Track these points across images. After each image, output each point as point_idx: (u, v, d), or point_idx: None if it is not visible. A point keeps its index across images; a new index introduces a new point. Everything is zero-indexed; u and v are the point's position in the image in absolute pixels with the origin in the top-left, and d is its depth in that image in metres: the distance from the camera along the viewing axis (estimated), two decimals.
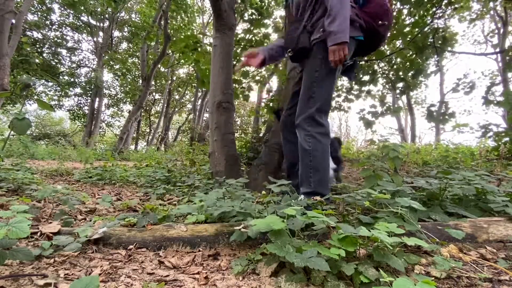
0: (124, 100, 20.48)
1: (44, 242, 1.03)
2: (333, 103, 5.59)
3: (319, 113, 1.62)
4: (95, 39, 17.74)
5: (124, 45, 20.00)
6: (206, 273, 0.96)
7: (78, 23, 17.23)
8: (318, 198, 1.35)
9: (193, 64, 4.59)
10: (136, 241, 1.15)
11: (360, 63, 4.69)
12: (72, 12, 15.80)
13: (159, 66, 14.49)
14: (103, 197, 1.68)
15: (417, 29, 4.06)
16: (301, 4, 1.74)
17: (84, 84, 18.00)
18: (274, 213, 1.22)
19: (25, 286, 0.81)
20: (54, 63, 16.12)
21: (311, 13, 1.69)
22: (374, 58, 4.51)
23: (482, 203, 1.45)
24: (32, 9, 14.35)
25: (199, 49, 4.24)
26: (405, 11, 4.39)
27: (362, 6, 1.70)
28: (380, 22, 1.64)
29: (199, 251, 1.13)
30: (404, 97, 14.13)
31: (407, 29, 4.15)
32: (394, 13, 4.29)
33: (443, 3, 3.95)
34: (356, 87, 5.12)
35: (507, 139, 4.02)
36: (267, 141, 3.21)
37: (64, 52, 17.28)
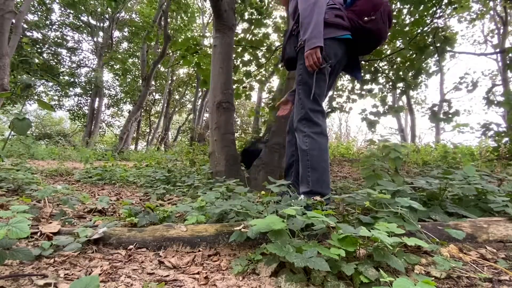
0: (124, 100, 20.49)
1: (44, 242, 1.03)
2: (335, 104, 5.59)
3: (314, 113, 1.63)
4: (95, 39, 17.74)
5: (124, 45, 20.01)
6: (206, 273, 0.96)
7: (78, 23, 17.24)
8: (318, 198, 1.35)
9: (194, 66, 4.61)
10: (136, 241, 1.15)
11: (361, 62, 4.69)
12: (72, 12, 15.81)
13: (159, 66, 14.50)
14: (100, 198, 1.68)
15: (417, 29, 4.06)
16: (292, 12, 1.79)
17: (84, 84, 18.00)
18: (274, 213, 1.22)
19: (25, 286, 0.81)
20: (54, 63, 16.12)
21: (296, 21, 1.72)
22: (374, 57, 4.51)
23: (482, 203, 1.45)
24: (32, 9, 14.35)
25: (200, 51, 4.25)
26: (405, 11, 4.39)
27: (350, 5, 1.70)
28: (366, 18, 1.62)
29: (199, 251, 1.13)
30: (404, 97, 14.13)
31: (407, 28, 4.15)
32: (394, 13, 4.28)
33: (443, 3, 3.95)
34: (358, 86, 5.13)
35: (507, 139, 4.02)
36: (267, 141, 3.22)
37: (64, 52, 17.30)
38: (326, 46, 1.58)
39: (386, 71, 5.00)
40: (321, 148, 1.60)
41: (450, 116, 3.91)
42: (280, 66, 4.78)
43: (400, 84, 4.62)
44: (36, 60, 11.00)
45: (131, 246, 1.13)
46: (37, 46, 14.64)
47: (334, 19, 1.61)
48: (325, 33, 1.58)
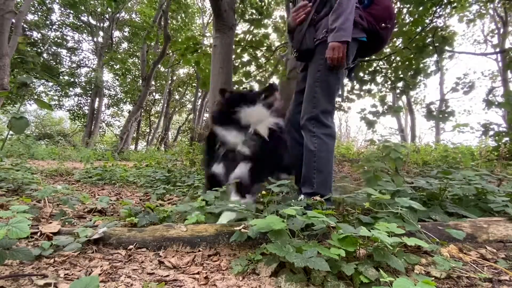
0: (124, 100, 20.49)
1: (44, 242, 1.03)
2: None
3: (324, 114, 1.60)
4: (95, 39, 17.74)
5: (124, 45, 20.01)
6: (206, 273, 0.96)
7: (78, 23, 17.24)
8: (318, 198, 1.35)
9: (194, 65, 4.61)
10: (136, 241, 1.15)
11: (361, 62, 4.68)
12: (72, 12, 15.82)
13: (159, 66, 14.50)
14: (100, 198, 1.68)
15: (417, 28, 4.06)
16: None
17: (84, 84, 18.02)
18: (274, 213, 1.22)
19: (25, 286, 0.81)
20: (54, 64, 16.13)
21: (316, 11, 1.66)
22: (373, 57, 4.51)
23: (482, 203, 1.45)
24: (32, 9, 14.35)
25: (199, 50, 4.25)
26: (404, 11, 4.40)
27: (367, 7, 1.68)
28: (383, 25, 1.62)
29: (199, 251, 1.13)
30: (404, 97, 14.14)
31: (407, 27, 4.15)
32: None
33: (443, 2, 3.95)
34: (357, 86, 5.13)
35: (507, 139, 4.02)
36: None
37: (64, 52, 17.31)
38: (349, 46, 1.55)
39: (385, 71, 5.00)
40: (328, 150, 1.58)
41: (445, 115, 3.92)
42: (284, 58, 4.72)
43: (399, 84, 4.62)
44: (32, 59, 10.98)
45: (131, 246, 1.13)
46: (37, 46, 14.65)
47: (358, 18, 1.58)
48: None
